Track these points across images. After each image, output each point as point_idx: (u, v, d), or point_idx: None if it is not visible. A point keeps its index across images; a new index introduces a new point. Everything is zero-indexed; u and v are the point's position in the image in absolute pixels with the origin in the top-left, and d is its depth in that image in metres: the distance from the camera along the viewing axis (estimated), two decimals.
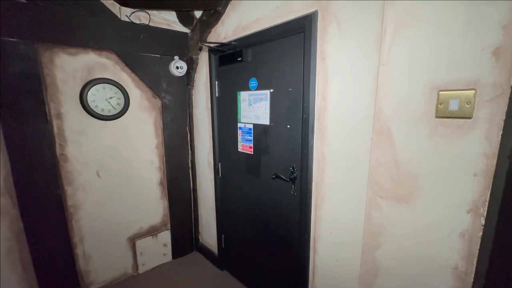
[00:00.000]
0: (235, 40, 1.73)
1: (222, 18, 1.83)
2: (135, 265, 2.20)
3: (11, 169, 1.54)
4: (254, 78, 1.67)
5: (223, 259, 2.25)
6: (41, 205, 1.66)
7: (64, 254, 1.80)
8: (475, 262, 0.89)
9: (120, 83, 1.89)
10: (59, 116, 1.70)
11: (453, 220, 0.91)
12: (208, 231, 2.40)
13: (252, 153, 1.79)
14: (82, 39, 1.67)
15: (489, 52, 0.78)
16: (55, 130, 1.70)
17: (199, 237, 2.56)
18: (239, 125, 1.84)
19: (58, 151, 1.72)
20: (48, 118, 1.64)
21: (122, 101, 1.90)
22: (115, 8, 1.80)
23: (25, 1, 1.46)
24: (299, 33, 1.35)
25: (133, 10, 1.85)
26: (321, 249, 1.45)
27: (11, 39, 1.46)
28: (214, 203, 2.22)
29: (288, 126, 1.50)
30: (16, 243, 1.63)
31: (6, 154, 1.52)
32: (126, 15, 1.84)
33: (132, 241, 2.16)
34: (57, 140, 1.71)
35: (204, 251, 2.46)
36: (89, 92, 1.74)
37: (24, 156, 1.57)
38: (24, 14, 1.47)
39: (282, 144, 1.56)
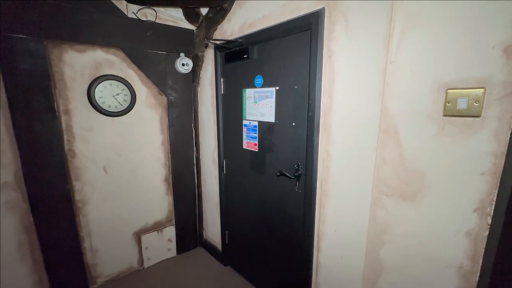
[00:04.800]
0: (241, 37, 1.73)
1: (228, 15, 1.83)
2: (141, 260, 2.24)
3: (21, 164, 1.58)
4: (260, 76, 1.67)
5: (226, 255, 2.28)
6: (50, 199, 1.70)
7: (72, 248, 1.84)
8: (480, 261, 0.89)
9: (127, 79, 1.91)
10: (67, 112, 1.73)
11: (459, 219, 0.91)
12: (212, 227, 2.42)
13: (257, 150, 1.79)
14: (90, 36, 1.69)
15: (500, 50, 0.77)
16: (64, 126, 1.72)
17: (203, 233, 2.59)
18: (244, 122, 1.85)
19: (66, 147, 1.75)
20: (57, 114, 1.67)
21: (128, 98, 1.92)
22: (122, 5, 1.81)
23: None
24: (305, 31, 1.35)
25: (139, 7, 1.86)
26: (325, 247, 1.46)
27: (21, 36, 1.48)
28: (218, 200, 2.24)
29: (294, 124, 1.51)
30: (26, 237, 1.67)
31: (16, 149, 1.56)
32: (133, 12, 1.85)
33: (138, 236, 2.19)
34: (65, 136, 1.74)
35: (208, 247, 2.49)
36: (96, 89, 1.77)
37: (34, 152, 1.60)
38: (34, 11, 1.49)
39: (287, 142, 1.57)
